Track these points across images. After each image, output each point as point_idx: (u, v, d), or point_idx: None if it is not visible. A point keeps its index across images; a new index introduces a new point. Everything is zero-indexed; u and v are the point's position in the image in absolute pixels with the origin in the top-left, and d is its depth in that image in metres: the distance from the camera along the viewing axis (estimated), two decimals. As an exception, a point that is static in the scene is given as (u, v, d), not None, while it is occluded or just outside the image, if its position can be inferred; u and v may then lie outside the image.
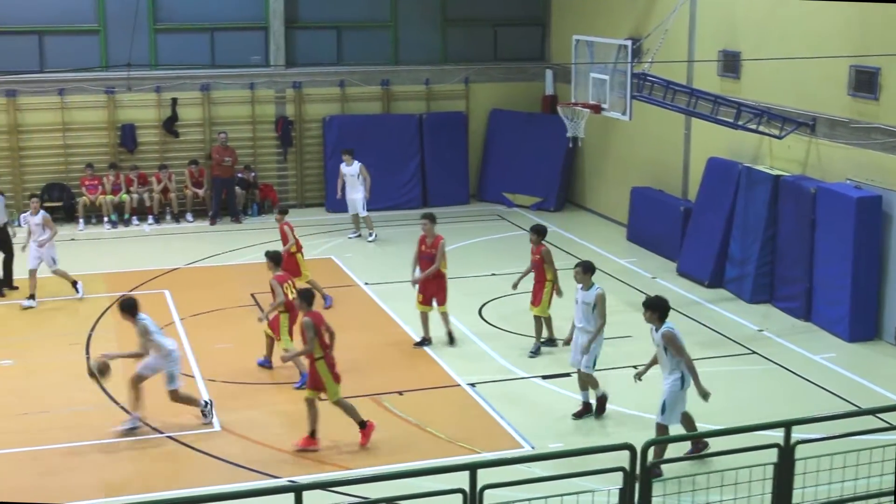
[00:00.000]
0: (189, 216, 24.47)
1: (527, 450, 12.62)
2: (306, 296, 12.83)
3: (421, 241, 16.12)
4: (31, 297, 17.97)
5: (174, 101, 24.61)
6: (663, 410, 11.87)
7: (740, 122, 18.13)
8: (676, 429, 12.08)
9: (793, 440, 9.11)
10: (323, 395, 12.62)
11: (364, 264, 20.70)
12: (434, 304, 16.07)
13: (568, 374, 14.46)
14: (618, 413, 13.63)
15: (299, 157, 25.61)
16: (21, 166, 24.00)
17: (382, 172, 24.28)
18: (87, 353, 15.76)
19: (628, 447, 8.59)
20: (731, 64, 19.73)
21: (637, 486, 8.63)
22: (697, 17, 20.73)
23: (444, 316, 16.18)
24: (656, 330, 11.96)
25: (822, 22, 17.40)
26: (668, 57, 20.12)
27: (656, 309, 11.97)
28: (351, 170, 22.58)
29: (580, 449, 11.02)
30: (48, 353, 15.99)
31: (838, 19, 17.04)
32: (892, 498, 9.48)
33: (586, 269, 13.66)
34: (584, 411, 13.58)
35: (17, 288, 18.58)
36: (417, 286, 16.13)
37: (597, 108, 18.56)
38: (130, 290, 17.90)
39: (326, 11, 25.65)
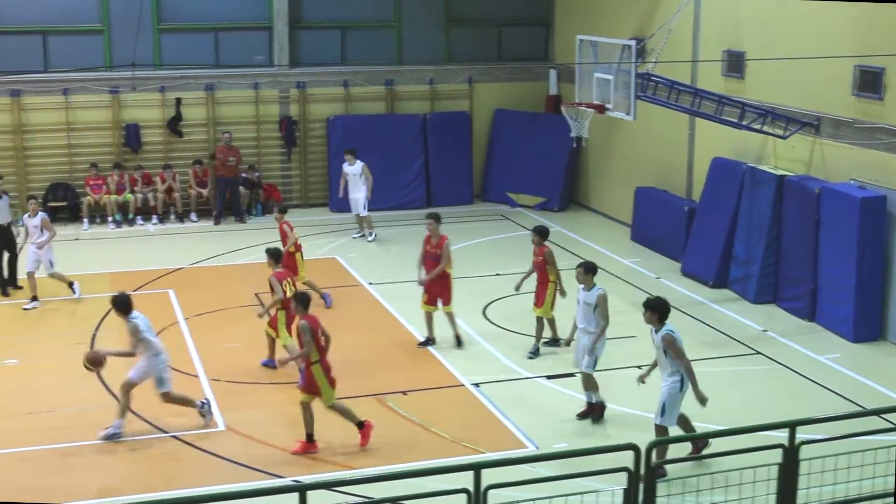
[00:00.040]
0: (193, 216, 24.48)
1: (531, 450, 12.60)
2: (302, 300, 12.78)
3: (426, 240, 16.09)
4: (34, 298, 17.97)
5: (178, 100, 24.63)
6: (662, 412, 11.83)
7: (744, 122, 18.12)
8: (677, 429, 12.07)
9: (797, 441, 9.11)
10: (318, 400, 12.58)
11: (368, 264, 20.68)
12: (439, 304, 16.06)
13: (572, 375, 14.44)
14: (622, 414, 13.61)
15: (303, 157, 25.62)
16: (25, 166, 24.02)
17: (386, 172, 24.29)
18: (91, 352, 15.79)
19: (632, 447, 8.59)
20: (735, 64, 19.71)
21: (641, 486, 8.64)
22: (701, 17, 20.71)
23: (451, 317, 16.14)
24: (656, 331, 11.94)
25: (827, 22, 17.39)
26: (672, 57, 20.11)
27: (656, 310, 11.94)
28: (353, 169, 22.60)
29: (584, 449, 10.99)
30: (53, 352, 16.00)
31: (843, 19, 17.03)
32: (897, 499, 9.48)
33: (588, 270, 13.64)
34: (589, 412, 13.57)
35: (21, 287, 18.62)
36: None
37: (601, 108, 18.56)
38: (135, 290, 17.89)
39: (330, 11, 25.66)
